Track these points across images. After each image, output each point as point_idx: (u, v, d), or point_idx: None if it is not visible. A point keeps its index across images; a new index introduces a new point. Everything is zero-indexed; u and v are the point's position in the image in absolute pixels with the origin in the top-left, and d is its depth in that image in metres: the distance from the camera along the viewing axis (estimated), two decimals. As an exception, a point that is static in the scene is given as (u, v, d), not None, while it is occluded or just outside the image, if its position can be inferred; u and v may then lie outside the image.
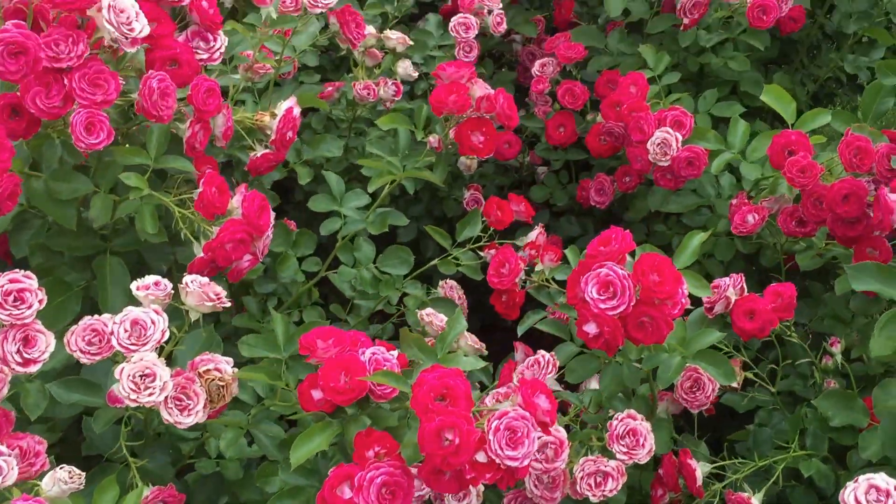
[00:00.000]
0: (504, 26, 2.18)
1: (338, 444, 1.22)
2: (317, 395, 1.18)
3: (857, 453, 1.44)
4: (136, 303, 1.23)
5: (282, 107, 1.58)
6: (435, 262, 1.79)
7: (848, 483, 1.14)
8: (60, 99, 1.26)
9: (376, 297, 1.79)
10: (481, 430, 1.08)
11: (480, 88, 1.75)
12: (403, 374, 1.20)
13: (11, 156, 1.21)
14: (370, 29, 1.98)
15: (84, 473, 1.13)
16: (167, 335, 1.20)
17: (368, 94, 1.97)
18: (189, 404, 1.19)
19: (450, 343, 1.29)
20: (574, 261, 1.55)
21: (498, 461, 1.07)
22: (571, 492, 1.33)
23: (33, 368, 1.17)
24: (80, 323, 1.20)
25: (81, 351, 1.19)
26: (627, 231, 1.26)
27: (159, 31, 1.37)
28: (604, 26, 2.37)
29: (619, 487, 1.33)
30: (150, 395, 1.16)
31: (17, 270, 1.17)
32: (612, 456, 1.34)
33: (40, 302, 1.17)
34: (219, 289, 1.27)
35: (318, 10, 1.67)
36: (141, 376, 1.16)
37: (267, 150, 1.60)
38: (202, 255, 1.38)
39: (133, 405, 1.16)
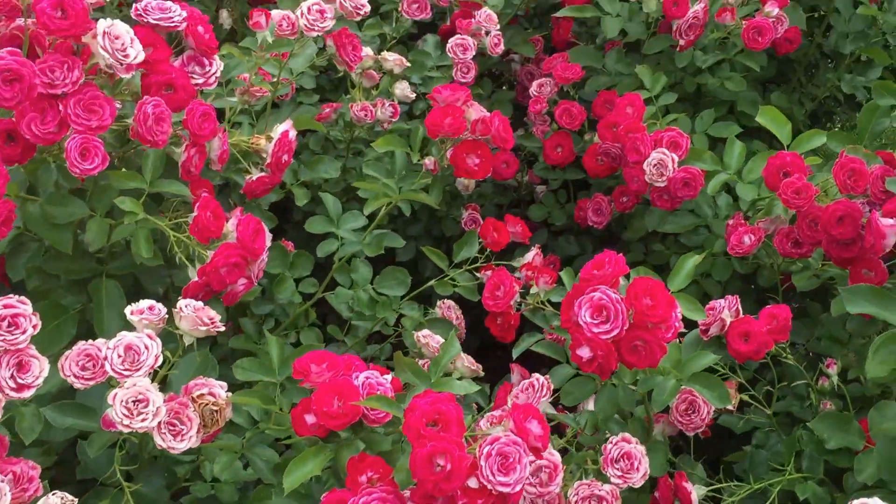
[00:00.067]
0: (501, 47, 2.19)
1: (331, 468, 1.22)
2: (310, 419, 1.18)
3: (853, 476, 1.44)
4: (132, 326, 1.23)
5: (277, 130, 1.58)
6: (432, 282, 1.80)
7: (843, 506, 1.14)
8: (55, 125, 1.27)
9: (373, 319, 1.79)
10: (473, 455, 1.08)
11: (476, 111, 1.75)
12: (397, 398, 1.20)
13: (6, 182, 1.22)
14: (367, 51, 1.98)
15: (77, 500, 1.13)
16: (161, 360, 1.20)
17: (366, 115, 1.98)
18: (182, 429, 1.19)
19: (444, 367, 1.29)
20: (569, 283, 1.55)
21: (490, 487, 1.07)
22: (566, 516, 1.33)
23: (27, 394, 1.17)
24: (74, 348, 1.20)
25: (75, 376, 1.19)
26: (621, 255, 1.26)
27: (155, 56, 1.38)
28: (602, 46, 2.36)
29: (614, 511, 1.32)
30: (143, 420, 1.16)
31: (12, 296, 1.17)
32: (606, 480, 1.34)
33: (34, 327, 1.17)
34: (213, 313, 1.27)
35: (315, 34, 1.67)
36: (134, 402, 1.16)
37: (263, 174, 1.61)
38: (197, 279, 1.39)
39: (126, 430, 1.16)
